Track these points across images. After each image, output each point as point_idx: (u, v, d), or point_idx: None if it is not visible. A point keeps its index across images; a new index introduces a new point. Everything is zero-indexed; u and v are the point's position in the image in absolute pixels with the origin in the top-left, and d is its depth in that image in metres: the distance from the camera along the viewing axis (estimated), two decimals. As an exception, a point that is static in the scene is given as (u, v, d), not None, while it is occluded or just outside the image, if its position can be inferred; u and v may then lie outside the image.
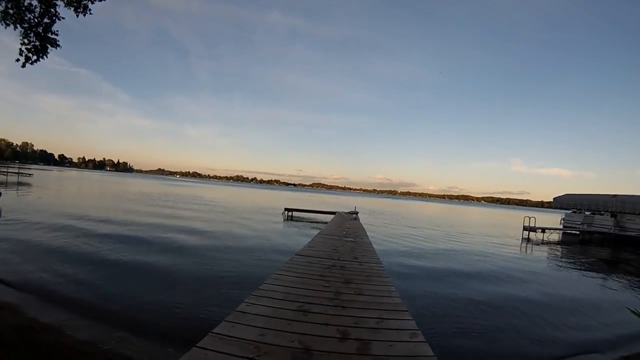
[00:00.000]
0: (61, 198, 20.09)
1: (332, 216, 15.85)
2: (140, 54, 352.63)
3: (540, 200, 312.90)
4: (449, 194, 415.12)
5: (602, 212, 23.72)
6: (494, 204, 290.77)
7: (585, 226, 22.88)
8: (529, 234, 18.96)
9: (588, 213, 24.09)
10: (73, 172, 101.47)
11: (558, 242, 18.47)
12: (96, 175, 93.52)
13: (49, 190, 24.92)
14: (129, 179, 79.20)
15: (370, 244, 7.40)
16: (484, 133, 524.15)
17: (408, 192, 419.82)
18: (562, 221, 25.73)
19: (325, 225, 11.62)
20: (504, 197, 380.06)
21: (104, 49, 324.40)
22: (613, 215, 22.57)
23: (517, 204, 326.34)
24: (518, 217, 51.20)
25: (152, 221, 13.00)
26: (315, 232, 9.91)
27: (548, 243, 17.15)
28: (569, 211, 27.25)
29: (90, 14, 5.28)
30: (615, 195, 22.94)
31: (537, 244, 16.32)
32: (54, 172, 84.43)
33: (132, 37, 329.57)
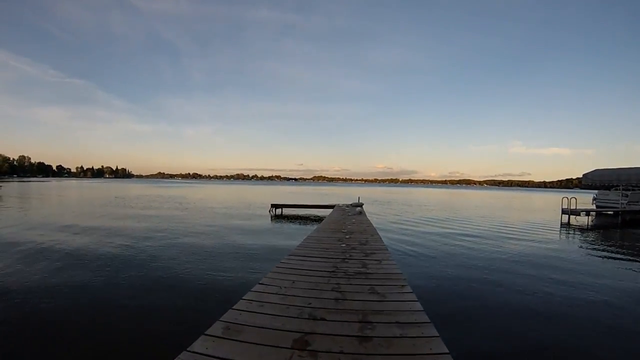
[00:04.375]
0: (15, 209, 16.98)
1: (331, 211, 12.71)
2: (132, 59, 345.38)
3: (542, 180, 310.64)
4: (450, 179, 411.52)
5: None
6: (496, 187, 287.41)
7: (626, 205, 19.71)
8: (569, 217, 15.77)
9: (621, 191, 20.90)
10: (71, 182, 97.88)
11: (598, 225, 15.31)
12: (91, 183, 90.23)
13: (13, 201, 22.23)
14: (122, 184, 75.80)
15: (404, 279, 3.37)
16: (482, 116, 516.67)
17: (410, 179, 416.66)
18: (594, 201, 22.68)
19: (317, 225, 7.94)
20: (505, 179, 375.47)
21: (96, 58, 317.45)
22: (662, 190, 19.45)
23: (520, 186, 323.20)
24: (531, 199, 48.32)
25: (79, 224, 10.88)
26: (309, 230, 6.72)
27: (593, 228, 14.02)
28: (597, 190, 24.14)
29: None
30: None
31: (584, 230, 13.21)
32: (52, 182, 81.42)
33: (123, 43, 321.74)
